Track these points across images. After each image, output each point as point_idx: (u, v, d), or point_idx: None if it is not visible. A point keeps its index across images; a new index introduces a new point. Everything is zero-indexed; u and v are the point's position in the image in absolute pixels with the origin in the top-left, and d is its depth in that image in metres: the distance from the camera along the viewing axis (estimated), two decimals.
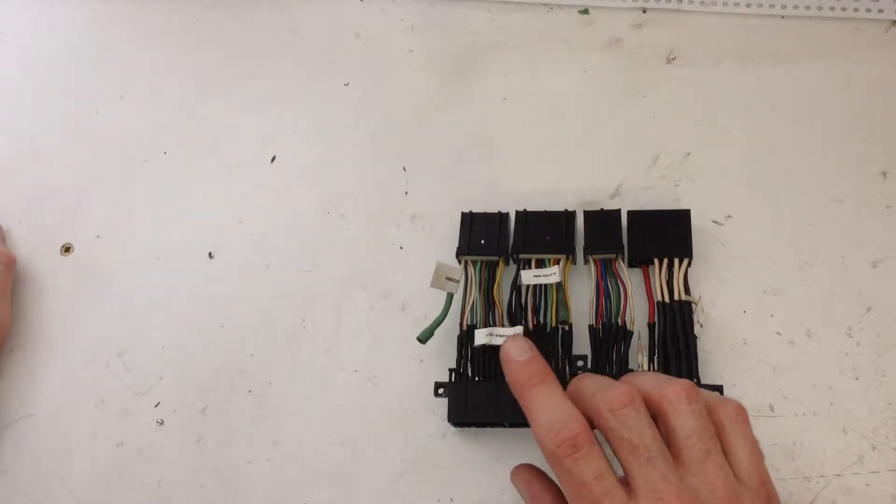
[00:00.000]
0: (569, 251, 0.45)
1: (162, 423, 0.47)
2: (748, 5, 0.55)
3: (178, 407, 0.47)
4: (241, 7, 0.61)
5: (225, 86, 0.58)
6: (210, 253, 0.51)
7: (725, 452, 0.33)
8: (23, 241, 0.53)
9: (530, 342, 0.37)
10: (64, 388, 0.48)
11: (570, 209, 0.47)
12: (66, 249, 0.53)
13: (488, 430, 0.43)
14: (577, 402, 0.35)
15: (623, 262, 0.45)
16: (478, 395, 0.42)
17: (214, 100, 0.57)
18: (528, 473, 0.37)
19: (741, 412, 0.34)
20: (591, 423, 0.34)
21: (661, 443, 0.32)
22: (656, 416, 0.33)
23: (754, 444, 0.33)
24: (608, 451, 0.33)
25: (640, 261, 0.46)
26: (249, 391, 0.47)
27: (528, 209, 0.47)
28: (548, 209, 0.47)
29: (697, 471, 0.31)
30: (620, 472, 0.32)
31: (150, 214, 0.53)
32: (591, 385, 0.34)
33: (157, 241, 0.52)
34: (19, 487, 0.46)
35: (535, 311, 0.44)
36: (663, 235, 0.45)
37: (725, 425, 0.33)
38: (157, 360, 0.48)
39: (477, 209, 0.48)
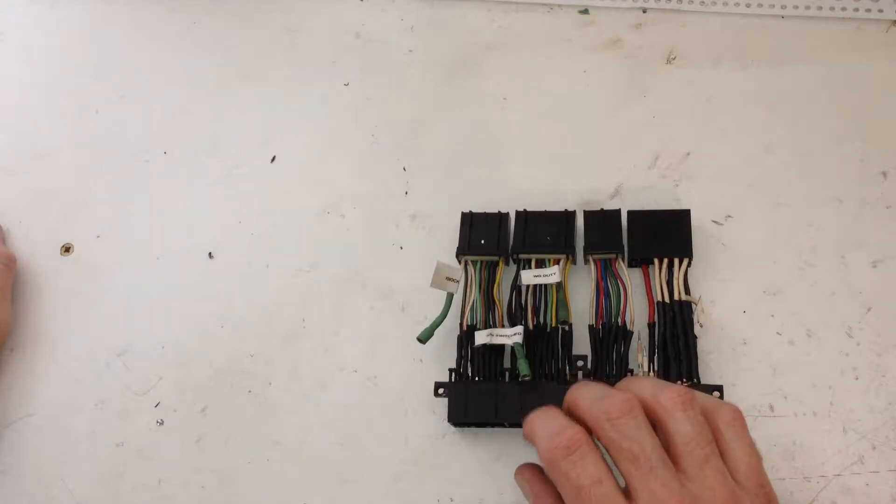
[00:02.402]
0: (569, 251, 0.45)
1: (162, 423, 0.47)
2: (748, 5, 0.55)
3: (178, 407, 0.47)
4: (241, 7, 0.61)
5: (225, 86, 0.58)
6: (210, 253, 0.51)
7: (723, 456, 0.33)
8: (23, 241, 0.53)
9: None
10: (64, 388, 0.48)
11: (570, 209, 0.47)
12: (66, 249, 0.53)
13: (488, 430, 0.43)
14: (574, 411, 0.34)
15: (623, 261, 0.45)
16: (478, 396, 0.42)
17: (215, 100, 0.57)
18: (531, 472, 0.37)
19: (737, 415, 0.34)
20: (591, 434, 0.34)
21: (662, 450, 0.32)
22: (653, 422, 0.33)
23: (752, 447, 0.33)
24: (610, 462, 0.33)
25: (640, 261, 0.46)
26: (249, 391, 0.47)
27: (528, 209, 0.47)
28: (548, 209, 0.47)
29: (697, 477, 0.31)
30: (622, 482, 0.32)
31: (150, 214, 0.53)
32: (588, 394, 0.34)
33: (157, 241, 0.52)
34: (19, 487, 0.46)
35: (535, 311, 0.44)
36: (663, 235, 0.45)
37: (722, 430, 0.33)
38: (157, 360, 0.48)
39: (477, 209, 0.48)
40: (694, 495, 0.31)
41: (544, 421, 0.34)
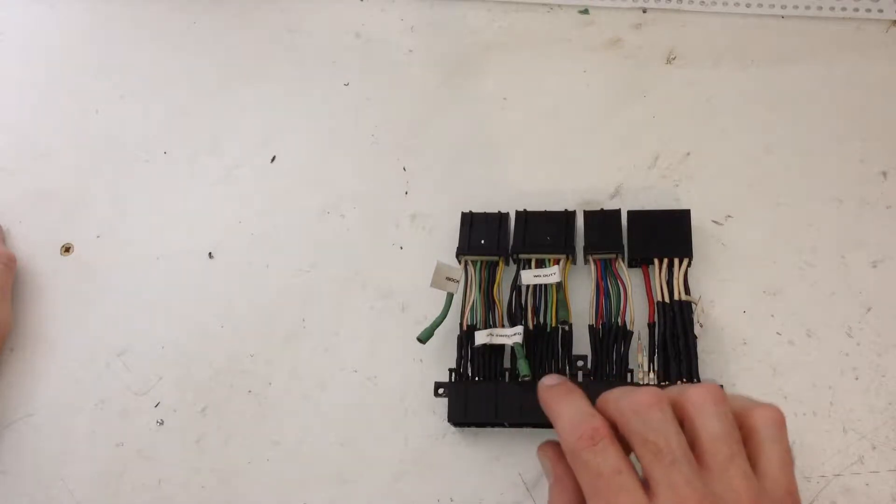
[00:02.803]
0: (569, 251, 0.45)
1: (162, 423, 0.47)
2: (748, 5, 0.55)
3: (178, 407, 0.47)
4: (241, 7, 0.61)
5: (225, 86, 0.58)
6: (210, 253, 0.51)
7: (755, 457, 0.32)
8: (23, 241, 0.53)
9: (565, 377, 0.37)
10: (64, 388, 0.48)
11: (570, 209, 0.47)
12: (66, 249, 0.53)
13: (488, 430, 0.43)
14: (603, 409, 0.34)
15: (623, 261, 0.45)
16: (478, 396, 0.42)
17: (214, 100, 0.57)
18: (554, 452, 0.35)
19: (777, 416, 0.33)
20: (617, 431, 0.33)
21: (687, 446, 0.31)
22: (681, 420, 0.32)
23: (786, 451, 0.32)
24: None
25: (640, 261, 0.46)
26: (249, 391, 0.47)
27: (528, 209, 0.47)
28: (548, 209, 0.47)
29: (721, 477, 0.30)
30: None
31: (150, 214, 0.53)
32: (616, 392, 0.34)
33: (157, 241, 0.52)
34: (19, 487, 0.46)
35: (535, 311, 0.44)
36: (663, 235, 0.45)
37: (759, 429, 0.32)
38: (157, 360, 0.48)
39: (477, 209, 0.48)
40: (716, 495, 0.30)
41: (568, 405, 0.34)
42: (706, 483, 0.30)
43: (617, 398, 0.33)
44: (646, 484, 0.31)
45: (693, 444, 0.32)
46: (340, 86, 0.56)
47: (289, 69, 0.58)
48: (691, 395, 0.32)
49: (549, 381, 0.36)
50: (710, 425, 0.31)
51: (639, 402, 0.32)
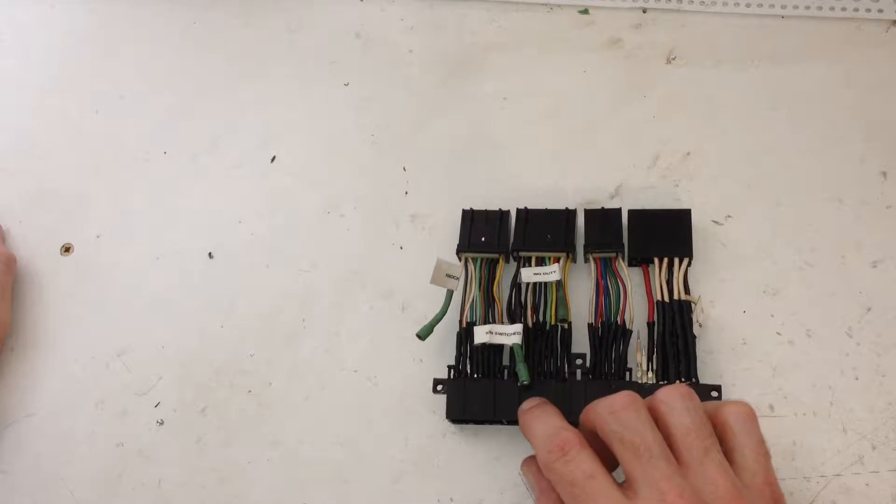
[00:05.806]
0: (569, 249, 0.45)
1: (162, 423, 0.47)
2: (748, 5, 0.55)
3: (178, 407, 0.47)
4: (241, 7, 0.61)
5: (225, 86, 0.58)
6: (210, 253, 0.51)
7: (730, 451, 0.33)
8: (23, 241, 0.53)
9: (543, 398, 0.38)
10: (64, 388, 0.48)
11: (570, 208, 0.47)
12: (66, 249, 0.53)
13: (488, 430, 0.43)
14: (585, 416, 0.35)
15: (623, 260, 0.45)
16: (476, 392, 0.42)
17: (214, 100, 0.57)
18: (537, 467, 0.37)
19: (747, 410, 0.34)
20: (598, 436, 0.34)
21: (663, 443, 0.32)
22: (656, 420, 0.33)
23: (761, 444, 0.33)
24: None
25: (640, 260, 0.46)
26: (249, 391, 0.47)
27: (529, 207, 0.47)
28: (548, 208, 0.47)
29: (698, 471, 0.31)
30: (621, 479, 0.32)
31: (150, 214, 0.53)
32: (597, 400, 0.35)
33: (157, 241, 0.52)
34: (19, 487, 0.46)
35: (535, 309, 0.44)
36: (663, 235, 0.45)
37: (731, 423, 0.33)
38: (157, 360, 0.48)
39: (477, 209, 0.48)
40: (695, 488, 0.31)
41: (540, 422, 0.35)
42: (685, 478, 0.31)
43: (595, 404, 0.34)
44: (627, 484, 0.32)
45: (669, 441, 0.33)
46: (340, 86, 0.56)
47: (289, 69, 0.58)
48: (661, 395, 0.34)
49: (526, 406, 0.38)
50: (681, 420, 0.33)
51: (614, 405, 0.33)
